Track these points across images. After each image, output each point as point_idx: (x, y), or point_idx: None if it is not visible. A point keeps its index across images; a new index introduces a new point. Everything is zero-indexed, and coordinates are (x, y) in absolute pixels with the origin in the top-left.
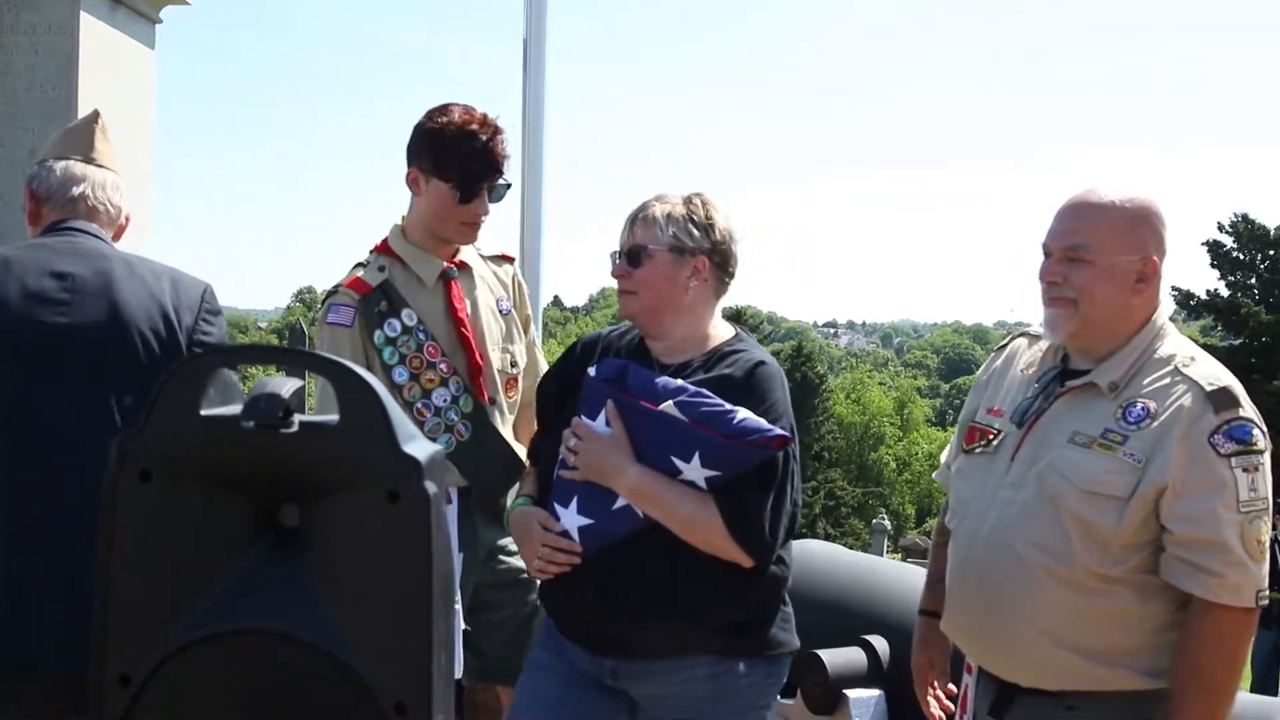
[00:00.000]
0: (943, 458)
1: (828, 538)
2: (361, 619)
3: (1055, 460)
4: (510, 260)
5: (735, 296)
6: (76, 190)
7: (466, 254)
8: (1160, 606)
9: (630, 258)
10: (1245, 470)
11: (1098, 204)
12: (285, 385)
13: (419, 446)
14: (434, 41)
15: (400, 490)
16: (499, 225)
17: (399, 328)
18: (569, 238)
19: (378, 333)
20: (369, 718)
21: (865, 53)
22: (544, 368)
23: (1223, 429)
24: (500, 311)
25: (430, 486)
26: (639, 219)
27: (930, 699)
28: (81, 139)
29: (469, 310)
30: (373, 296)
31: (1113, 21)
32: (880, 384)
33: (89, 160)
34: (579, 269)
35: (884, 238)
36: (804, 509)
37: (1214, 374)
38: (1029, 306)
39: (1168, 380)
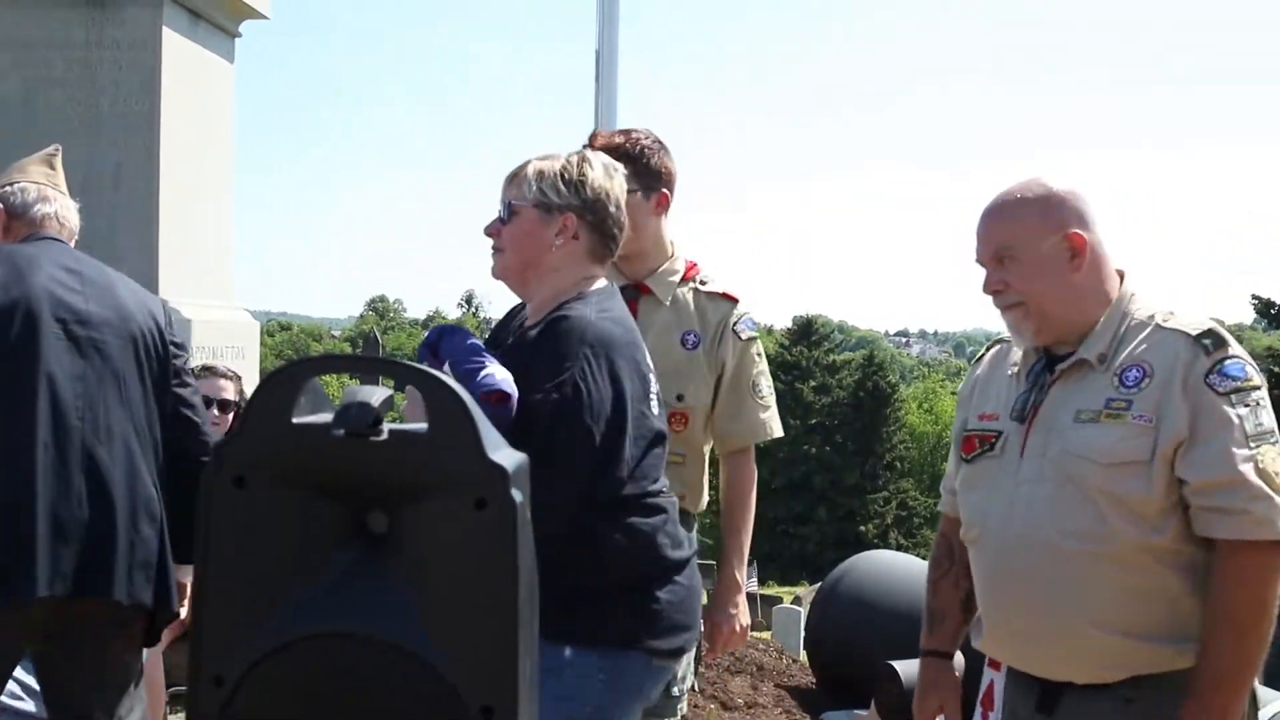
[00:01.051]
0: (944, 486)
1: (899, 548)
2: (449, 624)
3: (1068, 443)
4: (733, 301)
5: (806, 305)
6: (48, 209)
7: (661, 281)
8: (1202, 577)
9: (503, 216)
10: (1246, 405)
11: (1005, 204)
12: (375, 394)
13: (506, 455)
14: (506, 50)
15: (487, 498)
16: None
17: None
18: None
19: None
20: None
21: (924, 49)
22: (750, 420)
23: (1216, 369)
24: (685, 344)
25: (517, 494)
26: (513, 176)
27: None
28: (44, 167)
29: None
30: None
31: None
32: (953, 393)
33: (52, 185)
34: None
35: (955, 245)
36: (876, 519)
37: (1197, 321)
38: None
39: (1154, 338)
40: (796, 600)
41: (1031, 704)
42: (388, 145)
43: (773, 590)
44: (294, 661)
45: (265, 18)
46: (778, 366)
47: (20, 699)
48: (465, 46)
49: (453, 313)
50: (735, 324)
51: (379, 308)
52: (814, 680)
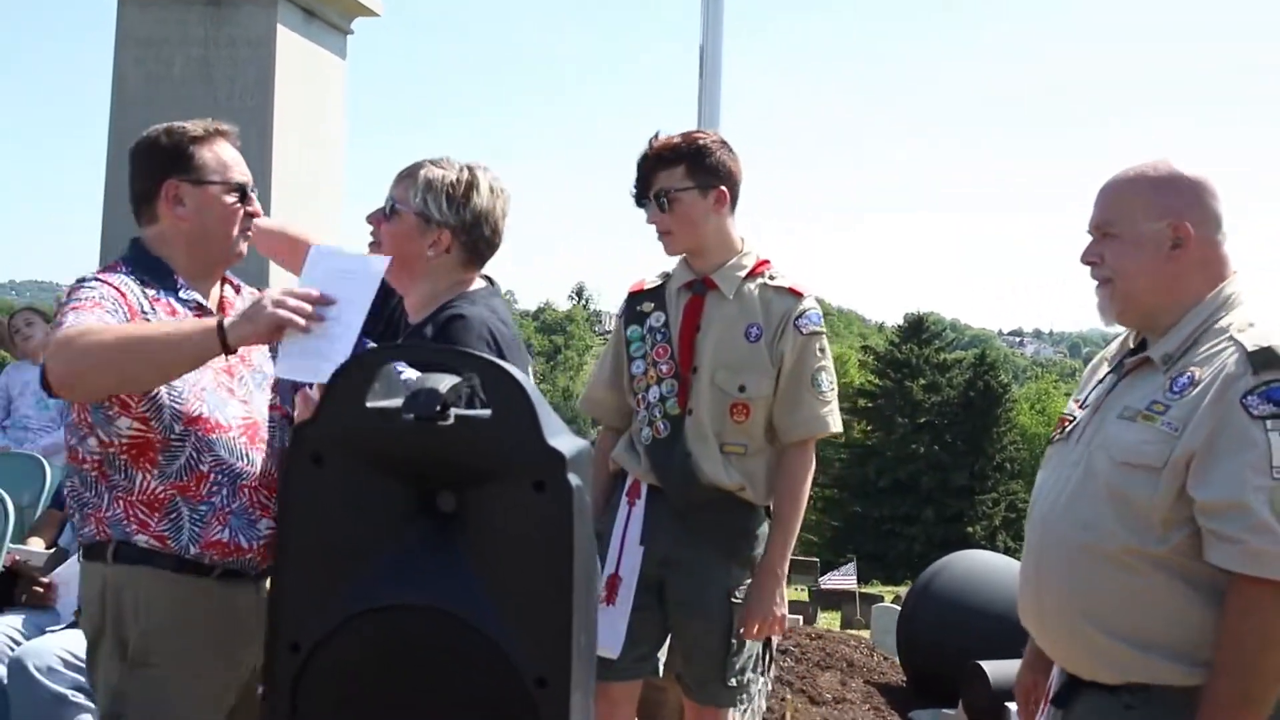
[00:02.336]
0: None
1: (1007, 551)
2: (508, 599)
3: (1104, 437)
4: (797, 296)
5: (917, 303)
6: None
7: (726, 276)
8: (1210, 594)
9: (386, 211)
10: None
11: (1123, 178)
12: (443, 381)
13: (565, 441)
14: (618, 44)
15: (545, 481)
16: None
17: (649, 326)
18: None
19: (633, 327)
20: (512, 689)
21: (1047, 58)
22: (806, 414)
23: (1259, 390)
24: (748, 336)
25: (574, 479)
26: (404, 175)
27: None
28: None
29: (703, 326)
30: (639, 296)
31: None
32: (1067, 394)
33: None
34: None
35: (1071, 244)
36: (984, 521)
37: (1264, 335)
38: None
39: (1220, 347)
40: (897, 600)
41: (1054, 694)
42: (499, 138)
43: (876, 589)
44: (365, 630)
45: (377, 15)
46: (886, 364)
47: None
48: (575, 41)
49: (563, 304)
50: (797, 318)
51: None
52: (905, 679)
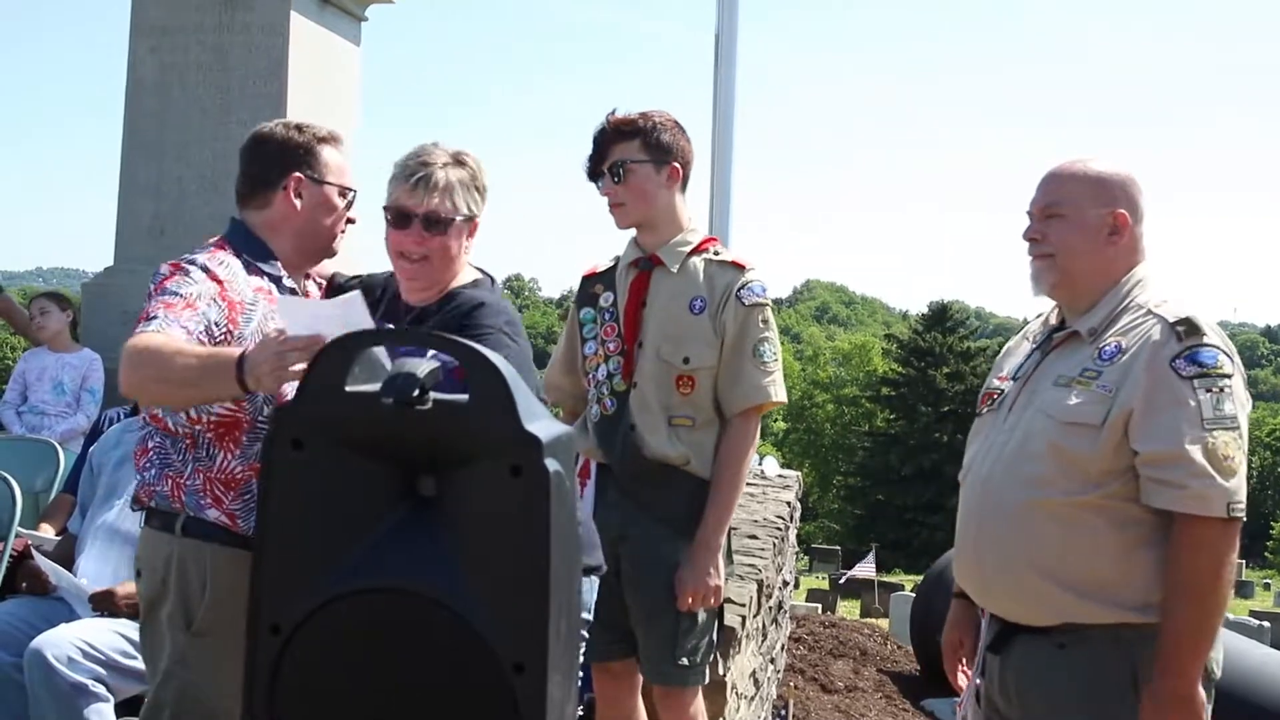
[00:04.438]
0: None
1: None
2: (487, 583)
3: (1041, 402)
4: (740, 268)
5: (943, 291)
6: None
7: (670, 252)
8: (1139, 537)
9: (427, 224)
10: (1209, 391)
11: (1069, 169)
12: (422, 366)
13: (543, 426)
14: (640, 25)
15: (522, 465)
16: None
17: (600, 307)
18: (771, 229)
19: (585, 309)
20: (490, 675)
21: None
22: (748, 384)
23: (1184, 354)
24: (692, 309)
25: (551, 463)
26: (425, 182)
27: (960, 674)
28: None
29: (648, 301)
30: (592, 279)
31: None
32: None
33: None
34: (783, 261)
35: None
36: None
37: (1181, 309)
38: (1254, 306)
39: (1140, 320)
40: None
41: (988, 642)
42: (520, 123)
43: (898, 578)
44: (344, 613)
45: (391, 1)
46: (910, 352)
47: (132, 657)
48: (593, 25)
49: None
50: (740, 289)
51: (514, 286)
52: (918, 667)
